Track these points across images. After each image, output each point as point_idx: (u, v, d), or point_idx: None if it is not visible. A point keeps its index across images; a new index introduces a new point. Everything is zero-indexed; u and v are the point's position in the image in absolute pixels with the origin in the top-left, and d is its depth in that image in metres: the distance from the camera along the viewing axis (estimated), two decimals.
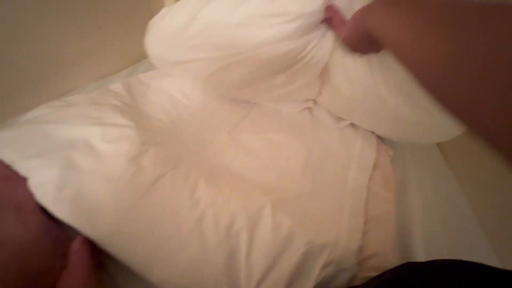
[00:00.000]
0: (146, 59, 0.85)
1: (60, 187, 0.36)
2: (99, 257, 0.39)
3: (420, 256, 0.49)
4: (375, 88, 0.47)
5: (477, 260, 0.29)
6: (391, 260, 0.43)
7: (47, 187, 0.36)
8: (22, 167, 0.38)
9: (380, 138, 0.64)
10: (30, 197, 0.38)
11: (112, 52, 0.78)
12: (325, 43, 0.47)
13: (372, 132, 0.63)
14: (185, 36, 0.48)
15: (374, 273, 0.38)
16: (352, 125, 0.64)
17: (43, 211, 0.38)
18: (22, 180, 0.39)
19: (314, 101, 0.65)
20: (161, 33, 0.52)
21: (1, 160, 0.39)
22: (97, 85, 0.70)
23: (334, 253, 0.38)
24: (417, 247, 0.50)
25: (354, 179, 0.54)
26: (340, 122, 0.64)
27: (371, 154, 0.60)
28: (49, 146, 0.39)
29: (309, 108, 0.66)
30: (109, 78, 0.74)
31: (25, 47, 0.55)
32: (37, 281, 0.34)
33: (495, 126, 0.17)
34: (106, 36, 0.74)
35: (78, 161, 0.38)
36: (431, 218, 0.55)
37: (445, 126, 0.48)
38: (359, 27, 0.32)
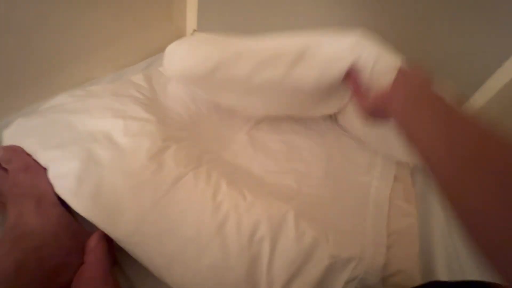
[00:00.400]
0: (162, 53, 0.85)
1: (80, 181, 0.35)
2: (114, 252, 0.38)
3: (442, 274, 0.47)
4: None
5: None
6: (415, 278, 0.41)
7: (68, 179, 0.35)
8: (43, 157, 0.38)
9: None
10: (51, 189, 0.37)
11: (131, 43, 0.77)
12: None
13: None
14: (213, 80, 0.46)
15: None
16: None
17: (62, 203, 0.37)
18: (43, 171, 0.38)
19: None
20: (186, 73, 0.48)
21: (23, 149, 0.38)
22: (115, 75, 0.68)
23: (359, 268, 0.36)
24: (438, 264, 0.48)
25: (376, 189, 0.52)
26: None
27: (392, 164, 0.58)
28: (71, 137, 0.38)
29: (332, 115, 0.64)
30: (127, 69, 0.73)
31: (44, 35, 0.54)
32: (54, 276, 0.33)
33: None
34: (125, 27, 0.73)
35: (99, 154, 0.37)
36: (454, 234, 0.52)
37: None
38: (383, 113, 0.33)
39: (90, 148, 0.37)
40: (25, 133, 0.39)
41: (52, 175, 0.37)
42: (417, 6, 0.70)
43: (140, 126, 0.41)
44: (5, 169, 0.38)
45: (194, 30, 0.97)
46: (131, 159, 0.38)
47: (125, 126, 0.40)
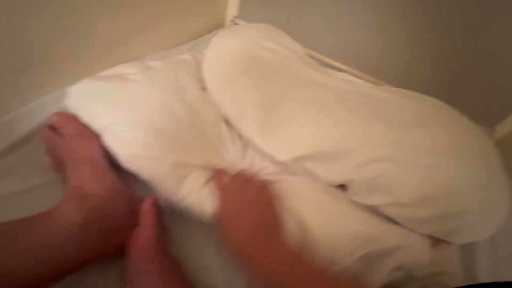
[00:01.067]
0: (207, 35, 0.86)
1: (145, 148, 0.36)
2: (162, 218, 0.40)
3: (484, 280, 0.45)
4: None
5: None
6: (457, 281, 0.40)
7: (133, 145, 0.37)
8: (103, 121, 0.39)
9: None
10: (103, 155, 0.39)
11: (173, 25, 0.78)
12: None
13: None
14: None
15: None
16: None
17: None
18: (96, 138, 0.40)
19: None
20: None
21: (76, 116, 0.40)
22: (161, 54, 0.70)
23: (407, 258, 0.36)
24: (481, 269, 0.46)
25: None
26: None
27: None
28: (136, 105, 0.40)
29: None
30: (172, 50, 0.74)
31: (95, 14, 0.55)
32: (112, 237, 0.35)
33: None
34: (169, 9, 0.75)
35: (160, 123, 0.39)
36: (497, 238, 0.50)
37: None
38: None
39: (152, 117, 0.39)
40: (89, 95, 0.41)
41: (112, 141, 0.38)
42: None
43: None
44: (61, 135, 0.41)
45: (235, 17, 0.97)
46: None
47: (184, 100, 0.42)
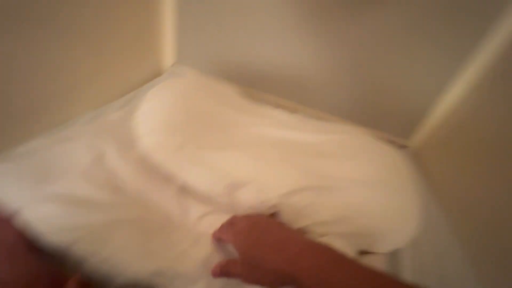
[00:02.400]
0: (147, 84, 0.88)
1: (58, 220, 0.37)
2: None
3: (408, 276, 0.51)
4: None
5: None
6: None
7: (49, 221, 0.37)
8: (22, 198, 0.39)
9: None
10: (21, 238, 0.38)
11: (111, 79, 0.80)
12: None
13: None
14: None
15: None
16: None
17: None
18: (11, 220, 0.39)
19: None
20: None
21: None
22: (93, 114, 0.70)
23: None
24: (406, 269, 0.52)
25: None
26: None
27: None
28: (53, 179, 0.41)
29: None
30: (108, 105, 0.75)
31: (20, 77, 0.55)
32: None
33: None
34: (104, 64, 0.76)
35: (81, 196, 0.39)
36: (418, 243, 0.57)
37: None
38: None
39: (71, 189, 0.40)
40: (2, 173, 0.41)
41: (30, 217, 0.38)
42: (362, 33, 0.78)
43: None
44: None
45: (174, 63, 1.02)
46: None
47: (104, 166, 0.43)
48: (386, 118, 0.91)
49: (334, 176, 0.52)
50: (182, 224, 0.45)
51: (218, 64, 0.97)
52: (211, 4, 0.85)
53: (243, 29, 0.86)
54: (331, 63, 0.85)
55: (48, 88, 0.62)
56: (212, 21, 0.88)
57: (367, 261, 0.46)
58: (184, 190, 0.49)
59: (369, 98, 0.89)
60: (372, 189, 0.52)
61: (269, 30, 0.85)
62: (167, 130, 0.52)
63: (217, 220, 0.46)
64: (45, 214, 0.39)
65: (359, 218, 0.48)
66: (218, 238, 0.42)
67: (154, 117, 0.55)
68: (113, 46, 0.77)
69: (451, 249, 0.60)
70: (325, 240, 0.45)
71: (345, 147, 0.61)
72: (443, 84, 0.79)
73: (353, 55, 0.82)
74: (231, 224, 0.40)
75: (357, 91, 0.89)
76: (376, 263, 0.50)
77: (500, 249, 0.53)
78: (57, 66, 0.62)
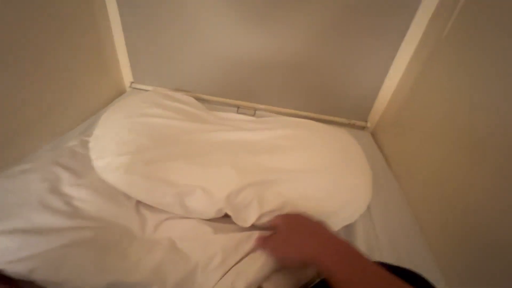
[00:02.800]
0: (99, 112, 0.90)
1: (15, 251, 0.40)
2: None
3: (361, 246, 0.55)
4: None
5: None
6: None
7: (7, 253, 0.40)
8: None
9: None
10: None
11: (72, 106, 0.81)
12: None
13: None
14: None
15: None
16: None
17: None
18: None
19: None
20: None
21: None
22: (53, 144, 0.72)
23: None
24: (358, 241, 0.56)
25: None
26: None
27: None
28: (4, 215, 0.43)
29: None
30: (66, 135, 0.77)
31: None
32: None
33: None
34: (64, 93, 0.78)
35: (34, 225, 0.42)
36: (373, 217, 0.61)
37: None
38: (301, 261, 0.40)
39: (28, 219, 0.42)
40: None
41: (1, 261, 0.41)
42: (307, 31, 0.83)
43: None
44: None
45: (132, 82, 1.04)
46: None
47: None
48: (343, 104, 0.96)
49: (282, 168, 0.56)
50: (141, 233, 0.49)
51: (173, 77, 1.00)
52: (156, 23, 0.88)
53: (189, 39, 0.89)
54: (282, 59, 0.89)
55: (6, 126, 0.63)
56: (159, 38, 0.91)
57: None
58: (142, 202, 0.53)
59: (324, 88, 0.94)
60: (319, 175, 0.56)
61: (217, 36, 0.87)
62: (116, 151, 0.55)
63: (172, 226, 0.49)
64: (2, 247, 0.41)
65: (305, 202, 0.52)
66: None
67: (103, 141, 0.58)
68: (69, 77, 0.79)
69: (403, 217, 0.65)
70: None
71: (294, 139, 0.65)
72: (386, 67, 0.85)
73: (303, 48, 0.86)
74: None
75: (312, 83, 0.93)
76: None
77: (446, 211, 0.58)
78: (13, 103, 0.64)
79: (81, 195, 0.50)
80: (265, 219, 0.50)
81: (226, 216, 0.53)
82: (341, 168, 0.60)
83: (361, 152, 0.67)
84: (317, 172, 0.56)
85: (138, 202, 0.53)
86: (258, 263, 0.40)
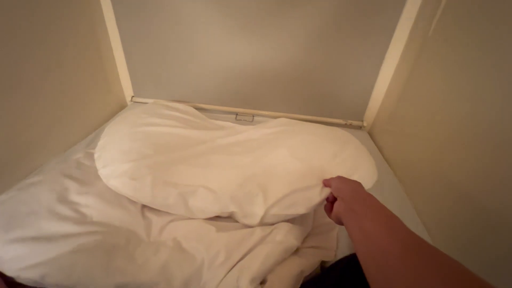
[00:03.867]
0: (112, 119, 0.93)
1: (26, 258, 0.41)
2: None
3: None
4: None
5: None
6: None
7: (19, 260, 0.42)
8: None
9: None
10: (1, 277, 0.42)
11: (75, 122, 0.84)
12: None
13: None
14: None
15: None
16: None
17: None
18: None
19: None
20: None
21: None
22: (60, 158, 0.74)
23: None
24: None
25: None
26: None
27: None
28: (16, 225, 0.45)
29: None
30: (72, 148, 0.79)
31: None
32: None
33: None
34: (67, 109, 0.81)
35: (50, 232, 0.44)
36: None
37: None
38: (336, 221, 0.42)
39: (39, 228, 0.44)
40: None
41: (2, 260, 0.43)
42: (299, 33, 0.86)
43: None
44: None
45: (132, 96, 1.08)
46: None
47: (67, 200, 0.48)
48: (339, 105, 0.98)
49: (282, 157, 0.57)
50: (146, 236, 0.50)
51: (172, 89, 1.03)
52: (153, 38, 0.92)
53: (187, 50, 0.93)
54: (278, 65, 0.92)
55: (15, 142, 0.66)
56: (157, 52, 0.95)
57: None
58: (147, 206, 0.54)
59: (319, 91, 0.96)
60: (320, 149, 0.58)
61: (213, 45, 0.91)
62: (120, 159, 0.57)
63: (176, 227, 0.51)
64: (15, 256, 0.43)
65: (311, 174, 0.52)
66: (327, 183, 0.49)
67: (108, 151, 0.61)
68: (73, 94, 0.82)
69: (403, 211, 0.66)
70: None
71: (292, 132, 0.67)
72: (377, 66, 0.88)
73: (297, 53, 0.89)
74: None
75: (308, 87, 0.96)
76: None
77: (438, 197, 0.59)
78: (21, 121, 0.66)
79: (88, 202, 0.52)
80: (273, 211, 0.50)
81: (229, 217, 0.54)
82: (342, 148, 0.61)
83: (357, 140, 0.69)
84: (318, 148, 0.59)
85: (143, 207, 0.54)
86: (261, 258, 0.41)
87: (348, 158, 0.58)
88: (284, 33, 0.86)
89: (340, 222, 0.40)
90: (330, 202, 0.47)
